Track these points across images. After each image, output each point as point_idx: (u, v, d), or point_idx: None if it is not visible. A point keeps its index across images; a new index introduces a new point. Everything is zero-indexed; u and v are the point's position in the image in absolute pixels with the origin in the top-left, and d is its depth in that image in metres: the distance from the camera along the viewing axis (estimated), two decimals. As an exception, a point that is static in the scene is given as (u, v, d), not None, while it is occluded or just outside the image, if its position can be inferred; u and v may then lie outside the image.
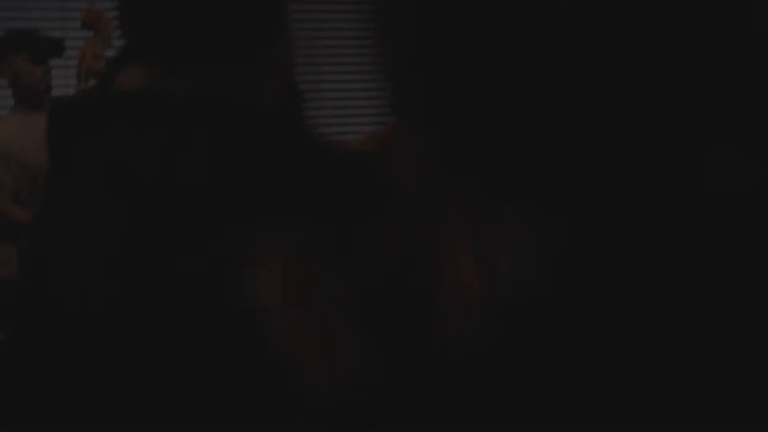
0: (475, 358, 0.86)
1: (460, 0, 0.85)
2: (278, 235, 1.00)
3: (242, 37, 1.12)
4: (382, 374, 0.96)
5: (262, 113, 1.12)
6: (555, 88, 0.83)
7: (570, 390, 0.81)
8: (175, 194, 1.02)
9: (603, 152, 0.82)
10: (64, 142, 1.21)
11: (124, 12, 1.15)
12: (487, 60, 0.85)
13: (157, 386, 1.00)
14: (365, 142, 1.59)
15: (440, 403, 0.90)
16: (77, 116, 1.20)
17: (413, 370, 0.93)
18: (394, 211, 1.00)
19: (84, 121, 1.18)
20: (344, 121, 4.85)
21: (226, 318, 0.98)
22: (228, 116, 1.06)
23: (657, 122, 0.81)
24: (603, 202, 0.81)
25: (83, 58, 3.72)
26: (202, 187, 1.02)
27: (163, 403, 1.00)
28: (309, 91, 1.22)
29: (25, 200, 3.82)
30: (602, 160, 0.82)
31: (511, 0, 0.83)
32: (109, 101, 1.17)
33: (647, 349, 0.79)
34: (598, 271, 0.81)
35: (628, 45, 0.82)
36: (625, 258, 0.80)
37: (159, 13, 1.11)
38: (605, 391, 0.80)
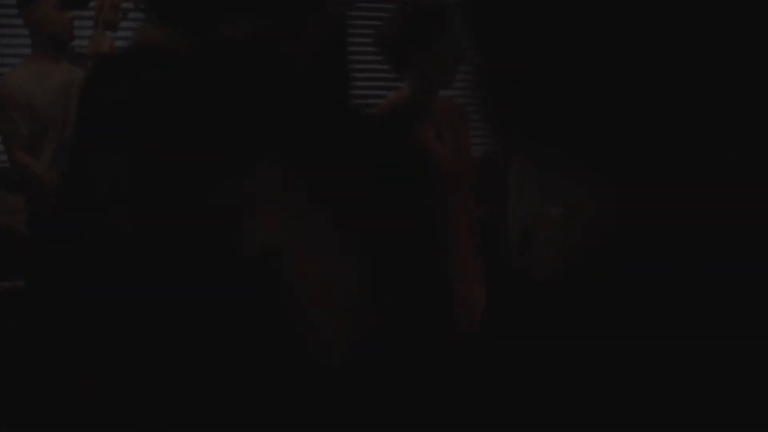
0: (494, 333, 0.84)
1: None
2: (287, 180, 0.98)
3: None
4: (382, 336, 0.95)
5: (274, 68, 1.11)
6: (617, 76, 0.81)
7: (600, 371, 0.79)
8: (175, 138, 1.02)
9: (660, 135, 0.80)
10: (86, 95, 1.23)
11: None
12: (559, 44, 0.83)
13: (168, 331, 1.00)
14: (385, 108, 1.55)
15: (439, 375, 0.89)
16: (101, 70, 1.23)
17: (415, 338, 0.92)
18: (414, 176, 0.98)
19: (103, 74, 1.19)
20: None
21: (231, 263, 0.97)
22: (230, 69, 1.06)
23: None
24: (654, 186, 0.79)
25: (101, 9, 3.69)
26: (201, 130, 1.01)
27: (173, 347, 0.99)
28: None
29: (37, 150, 3.80)
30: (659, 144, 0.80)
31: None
32: (120, 56, 1.21)
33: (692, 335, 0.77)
34: (643, 253, 0.79)
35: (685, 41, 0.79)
36: (673, 243, 0.78)
37: None
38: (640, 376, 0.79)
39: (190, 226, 0.97)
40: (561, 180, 0.85)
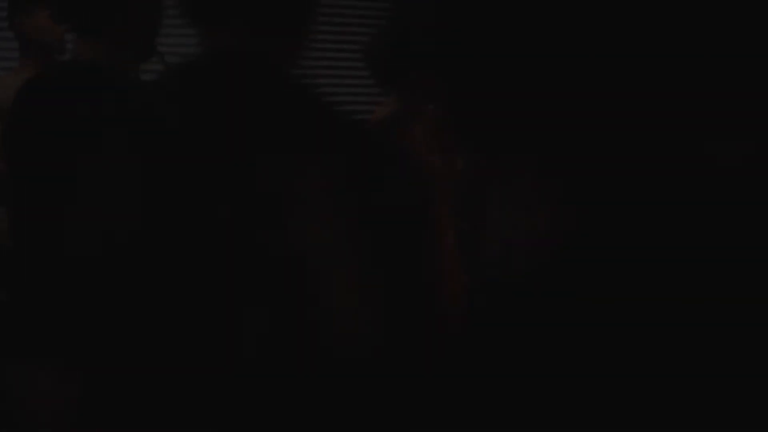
0: (464, 336, 0.85)
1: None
2: (313, 188, 1.00)
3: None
4: (386, 336, 0.96)
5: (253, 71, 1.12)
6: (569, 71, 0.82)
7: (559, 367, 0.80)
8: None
9: (608, 135, 0.82)
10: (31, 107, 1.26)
11: None
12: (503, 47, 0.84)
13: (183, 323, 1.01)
14: (375, 119, 1.56)
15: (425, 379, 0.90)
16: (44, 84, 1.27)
17: (408, 340, 0.93)
18: (403, 178, 0.99)
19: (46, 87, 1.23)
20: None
21: (259, 263, 0.98)
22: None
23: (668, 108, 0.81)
24: (601, 184, 0.81)
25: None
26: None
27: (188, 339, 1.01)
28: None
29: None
30: (606, 141, 0.81)
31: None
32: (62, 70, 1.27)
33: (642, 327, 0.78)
34: (590, 253, 0.80)
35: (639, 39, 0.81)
36: (621, 241, 0.79)
37: None
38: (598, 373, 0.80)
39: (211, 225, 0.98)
40: (535, 194, 0.87)
